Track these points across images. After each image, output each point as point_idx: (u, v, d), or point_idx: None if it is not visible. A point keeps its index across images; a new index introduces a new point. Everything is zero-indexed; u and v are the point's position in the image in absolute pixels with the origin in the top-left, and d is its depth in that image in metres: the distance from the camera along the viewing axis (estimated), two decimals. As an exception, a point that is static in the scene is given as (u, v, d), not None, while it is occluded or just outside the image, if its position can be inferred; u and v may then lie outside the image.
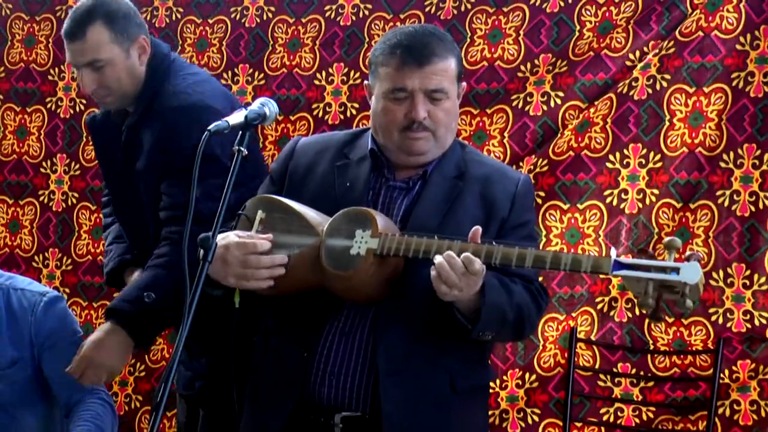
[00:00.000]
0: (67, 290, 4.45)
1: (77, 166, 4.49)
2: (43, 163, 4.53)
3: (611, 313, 3.77)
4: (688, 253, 2.42)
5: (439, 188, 2.79)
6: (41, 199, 4.54)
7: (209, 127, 2.58)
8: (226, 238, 2.68)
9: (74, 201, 4.48)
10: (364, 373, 2.72)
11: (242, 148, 2.57)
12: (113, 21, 3.24)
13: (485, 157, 3.12)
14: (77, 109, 4.45)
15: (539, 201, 3.85)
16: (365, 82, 2.86)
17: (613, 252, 2.42)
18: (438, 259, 2.49)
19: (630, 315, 3.77)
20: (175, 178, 3.26)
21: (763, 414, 3.64)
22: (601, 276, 2.85)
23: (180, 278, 2.66)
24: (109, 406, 3.26)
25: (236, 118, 2.60)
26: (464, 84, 2.89)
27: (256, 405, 2.90)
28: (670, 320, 3.77)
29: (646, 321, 3.77)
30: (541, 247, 3.60)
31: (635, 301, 2.59)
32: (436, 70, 2.70)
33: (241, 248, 2.63)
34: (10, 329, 3.19)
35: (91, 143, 4.33)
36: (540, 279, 3.65)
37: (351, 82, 4.04)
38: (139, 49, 3.27)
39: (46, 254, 4.54)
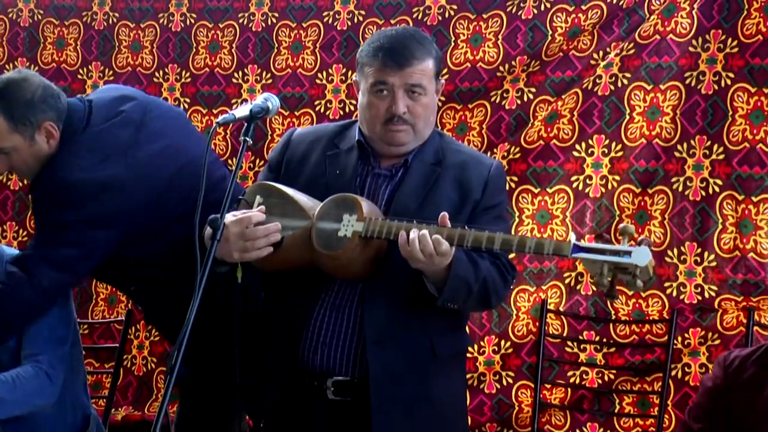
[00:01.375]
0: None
1: None
2: None
3: (578, 287, 3.94)
4: (640, 238, 2.51)
5: (418, 175, 2.87)
6: None
7: (217, 120, 2.74)
8: (225, 218, 2.76)
9: None
10: (353, 342, 2.81)
11: (248, 138, 2.68)
12: (12, 111, 3.06)
13: (461, 145, 3.18)
14: None
15: (512, 185, 3.99)
16: (353, 78, 2.94)
17: (573, 237, 2.52)
18: (412, 235, 2.57)
19: (594, 288, 3.91)
20: (36, 234, 3.29)
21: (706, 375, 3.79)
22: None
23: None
24: (43, 374, 3.25)
25: (242, 111, 2.70)
26: (443, 81, 2.98)
27: (256, 372, 2.98)
28: (630, 293, 3.82)
29: None
30: (513, 227, 3.75)
31: (595, 279, 2.50)
32: (414, 70, 2.77)
33: (238, 224, 2.69)
34: None
35: None
36: (512, 255, 3.86)
37: (348, 81, 4.12)
38: (45, 134, 3.08)
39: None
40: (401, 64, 2.74)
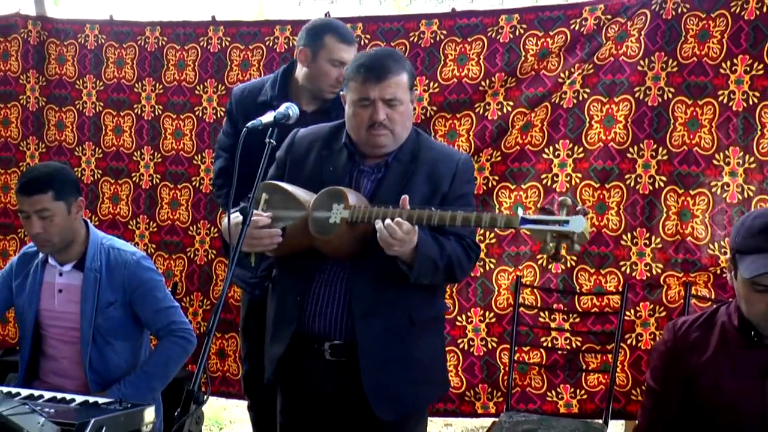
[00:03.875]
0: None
1: (159, 156, 4.77)
2: (135, 154, 4.81)
3: (549, 267, 4.15)
4: (577, 208, 2.58)
5: (396, 172, 3.00)
6: (134, 179, 4.83)
7: (247, 125, 2.83)
8: (237, 218, 2.89)
9: (157, 180, 4.79)
10: (344, 312, 2.95)
11: (272, 140, 2.82)
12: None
13: (435, 142, 3.22)
14: (156, 113, 4.75)
15: (494, 183, 4.17)
16: (341, 92, 3.06)
17: (520, 211, 2.64)
18: (378, 225, 2.74)
19: (563, 267, 4.12)
20: None
21: (658, 340, 3.71)
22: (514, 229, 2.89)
23: None
24: (181, 340, 3.54)
25: (267, 117, 2.86)
26: (417, 91, 3.13)
27: (268, 337, 3.16)
28: (592, 270, 4.06)
29: (575, 271, 4.10)
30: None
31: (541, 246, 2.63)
32: (390, 83, 2.91)
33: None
34: (108, 279, 3.51)
35: (166, 138, 4.76)
36: (493, 241, 4.09)
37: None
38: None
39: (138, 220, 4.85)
40: (379, 78, 2.89)
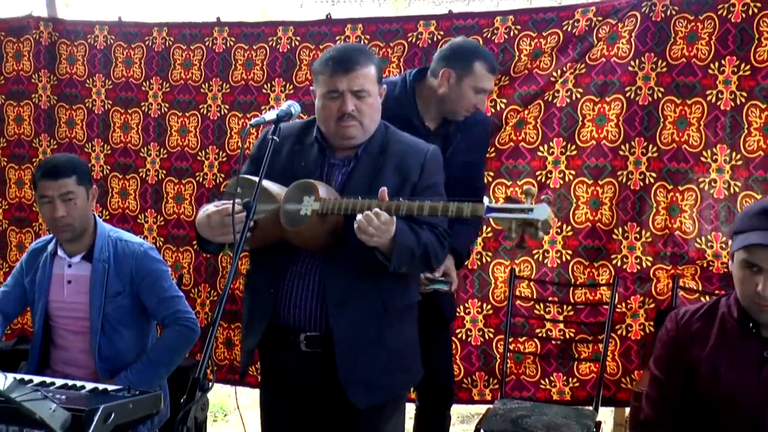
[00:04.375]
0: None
1: (165, 152, 4.84)
2: (141, 150, 4.86)
3: (545, 261, 4.20)
4: (541, 197, 2.64)
5: (366, 164, 2.99)
6: (140, 174, 4.89)
7: (250, 122, 2.87)
8: (206, 209, 2.94)
9: (163, 176, 4.83)
10: (318, 303, 2.95)
11: (275, 137, 2.80)
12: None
13: (404, 135, 3.20)
14: (162, 110, 4.81)
15: (490, 179, 4.19)
16: (311, 87, 3.04)
17: (486, 200, 2.65)
18: (358, 217, 2.73)
19: (559, 261, 4.16)
20: None
21: (647, 331, 4.06)
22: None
23: None
24: (186, 329, 3.57)
25: (270, 115, 2.84)
26: (384, 87, 3.06)
27: (244, 330, 3.17)
28: (586, 263, 4.11)
29: (571, 264, 4.13)
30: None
31: (506, 233, 2.67)
32: (359, 75, 2.90)
33: (219, 213, 2.88)
34: (116, 270, 3.55)
35: (172, 135, 4.81)
36: (490, 235, 4.12)
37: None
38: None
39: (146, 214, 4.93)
40: (347, 69, 2.89)
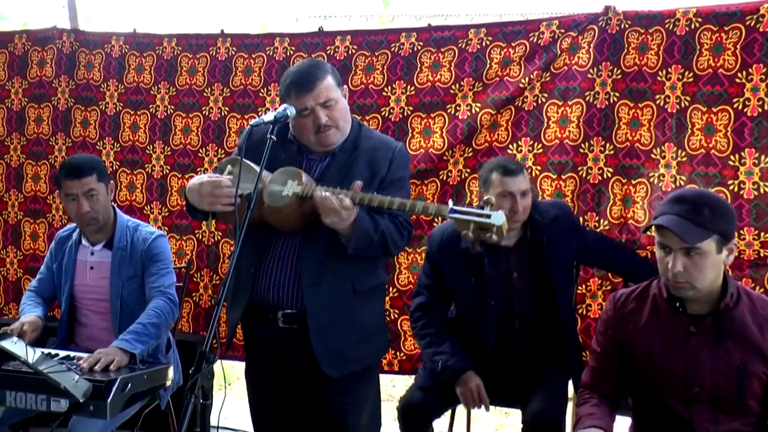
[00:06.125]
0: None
1: (169, 150, 4.94)
2: (148, 148, 4.94)
3: None
4: (498, 206, 2.71)
5: (340, 160, 3.09)
6: (147, 169, 4.98)
7: (251, 122, 2.90)
8: (200, 178, 2.99)
9: (167, 171, 4.95)
10: (295, 283, 3.03)
11: (272, 136, 2.84)
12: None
13: (374, 132, 3.28)
14: (168, 112, 4.88)
15: (466, 175, 4.32)
16: (283, 105, 3.03)
17: (451, 203, 2.74)
18: (320, 195, 2.78)
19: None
20: None
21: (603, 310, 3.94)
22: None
23: None
24: (170, 301, 3.60)
25: (268, 116, 2.88)
26: (345, 87, 3.14)
27: (229, 303, 3.23)
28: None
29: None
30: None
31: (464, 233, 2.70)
32: (321, 89, 2.98)
33: (211, 183, 2.94)
34: (130, 255, 3.68)
35: (176, 134, 4.90)
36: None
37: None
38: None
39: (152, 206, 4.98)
40: (310, 88, 2.97)
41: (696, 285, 2.70)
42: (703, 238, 2.65)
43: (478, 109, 4.35)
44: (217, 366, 2.58)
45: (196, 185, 2.96)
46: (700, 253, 2.65)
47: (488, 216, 2.63)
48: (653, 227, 2.75)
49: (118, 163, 5.06)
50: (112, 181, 3.78)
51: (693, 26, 3.95)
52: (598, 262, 3.96)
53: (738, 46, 3.85)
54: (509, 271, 3.63)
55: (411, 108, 4.49)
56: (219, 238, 4.87)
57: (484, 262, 3.57)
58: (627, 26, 4.11)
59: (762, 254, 3.87)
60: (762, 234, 3.85)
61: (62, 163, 3.74)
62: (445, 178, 4.46)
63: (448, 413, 3.97)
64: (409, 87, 4.49)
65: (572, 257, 3.76)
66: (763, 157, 3.84)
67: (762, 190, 3.84)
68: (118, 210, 3.82)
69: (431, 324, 3.64)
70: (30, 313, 3.63)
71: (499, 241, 2.70)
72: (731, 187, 3.88)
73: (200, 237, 4.94)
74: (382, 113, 4.58)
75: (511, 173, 3.57)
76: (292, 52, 4.71)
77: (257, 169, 2.84)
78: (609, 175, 4.16)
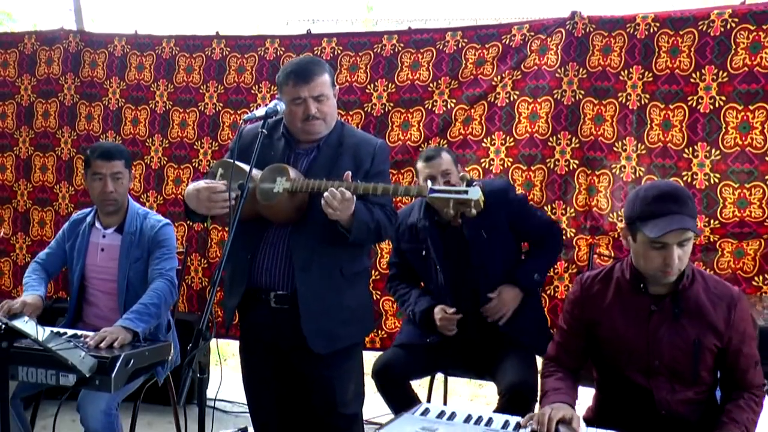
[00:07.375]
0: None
1: (166, 142, 4.99)
2: (147, 141, 5.01)
3: None
4: (474, 183, 2.69)
5: (326, 154, 3.10)
6: (145, 161, 5.03)
7: (243, 117, 2.92)
8: (197, 184, 2.98)
9: (164, 162, 4.96)
10: (286, 268, 3.05)
11: (264, 131, 2.85)
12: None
13: (356, 130, 3.28)
14: (167, 107, 4.95)
15: None
16: (277, 96, 3.11)
17: (429, 183, 2.79)
18: (326, 193, 2.81)
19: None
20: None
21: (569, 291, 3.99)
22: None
23: None
24: (170, 283, 3.62)
25: (260, 112, 2.88)
26: (337, 87, 3.18)
27: (226, 291, 3.26)
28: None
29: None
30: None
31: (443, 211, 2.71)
32: (317, 83, 3.01)
33: (207, 189, 2.93)
34: (138, 239, 3.71)
35: (173, 128, 4.95)
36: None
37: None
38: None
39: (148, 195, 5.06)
40: (307, 80, 3.01)
41: (681, 269, 2.72)
42: (696, 226, 2.69)
43: (453, 105, 4.46)
44: (213, 343, 2.58)
45: (193, 192, 2.97)
46: (690, 240, 2.67)
47: (465, 192, 2.68)
48: (640, 227, 2.69)
49: (119, 155, 5.14)
50: (132, 172, 3.86)
51: (651, 30, 4.08)
52: (517, 225, 3.89)
53: (692, 49, 3.97)
54: (455, 241, 3.72)
55: (392, 104, 4.59)
56: (208, 224, 4.87)
57: (429, 234, 3.70)
58: (592, 30, 4.22)
59: (712, 239, 4.00)
60: (712, 221, 3.99)
61: (93, 146, 3.81)
62: (419, 167, 4.24)
63: (426, 383, 4.09)
64: (390, 85, 4.60)
65: (505, 220, 3.76)
66: (713, 150, 3.96)
67: (712, 181, 3.96)
68: (131, 198, 3.88)
69: (401, 287, 3.85)
70: (33, 291, 3.64)
71: (478, 214, 2.75)
72: (685, 178, 4.00)
73: (190, 224, 5.01)
74: (365, 109, 4.66)
75: (430, 159, 3.72)
76: (282, 53, 4.80)
77: (246, 169, 2.84)
78: (575, 166, 4.27)
